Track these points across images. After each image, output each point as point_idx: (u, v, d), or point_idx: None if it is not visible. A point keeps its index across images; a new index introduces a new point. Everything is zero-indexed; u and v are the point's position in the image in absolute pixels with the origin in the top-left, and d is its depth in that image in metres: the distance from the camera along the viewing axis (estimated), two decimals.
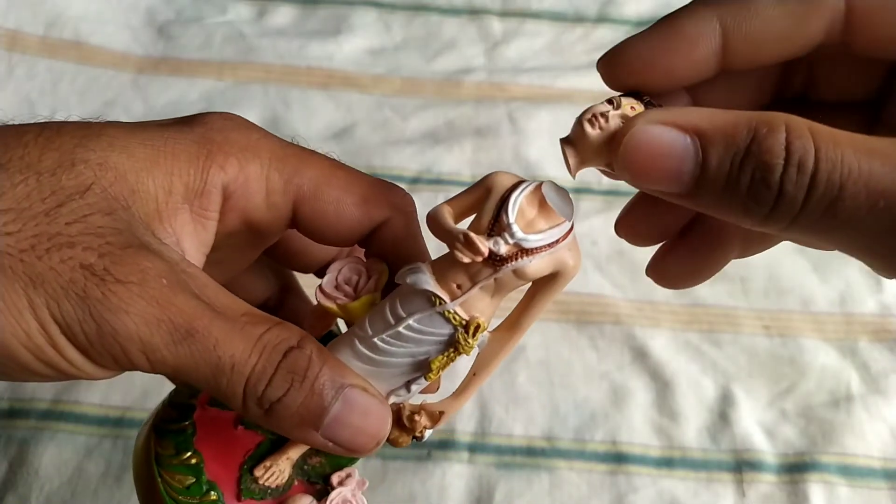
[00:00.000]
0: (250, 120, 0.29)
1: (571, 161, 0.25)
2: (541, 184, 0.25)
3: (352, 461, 0.32)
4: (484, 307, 0.26)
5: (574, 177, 0.26)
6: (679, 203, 0.24)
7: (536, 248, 0.24)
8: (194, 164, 0.27)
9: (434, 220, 0.25)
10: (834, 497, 0.44)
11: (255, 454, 0.30)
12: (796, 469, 0.45)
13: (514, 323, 0.27)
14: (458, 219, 0.26)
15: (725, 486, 0.45)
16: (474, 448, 0.46)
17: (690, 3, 0.26)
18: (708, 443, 0.47)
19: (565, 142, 0.25)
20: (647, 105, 0.24)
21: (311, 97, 0.66)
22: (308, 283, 0.38)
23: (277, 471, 0.30)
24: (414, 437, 0.28)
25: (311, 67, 0.68)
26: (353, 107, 0.66)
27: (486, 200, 0.25)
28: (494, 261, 0.24)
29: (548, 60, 0.70)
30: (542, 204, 0.24)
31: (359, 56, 0.70)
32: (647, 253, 0.56)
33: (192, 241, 0.27)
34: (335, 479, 0.31)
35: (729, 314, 0.53)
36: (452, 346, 0.26)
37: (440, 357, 0.26)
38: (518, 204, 0.24)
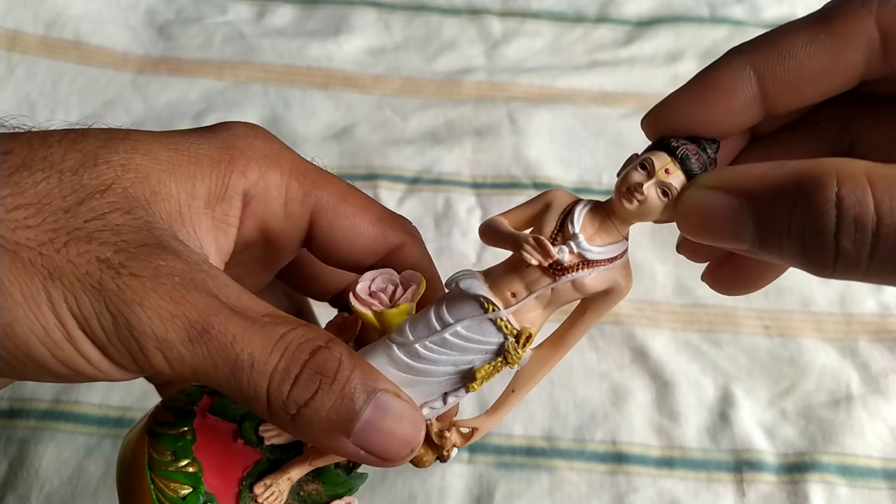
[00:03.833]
0: (250, 120, 0.29)
1: (618, 227, 0.25)
2: (599, 202, 0.25)
3: (350, 490, 0.30)
4: (534, 318, 0.26)
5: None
6: (750, 257, 0.23)
7: (598, 261, 0.24)
8: (216, 168, 0.27)
9: (492, 227, 0.25)
10: (834, 497, 0.44)
11: (253, 471, 0.29)
12: (796, 469, 0.45)
13: (559, 339, 0.27)
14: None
15: (725, 486, 0.45)
16: (474, 448, 0.46)
17: (724, 54, 0.26)
18: (708, 443, 0.47)
19: (608, 209, 0.25)
20: (683, 161, 0.24)
21: (311, 97, 0.66)
22: (322, 315, 0.38)
23: (277, 491, 0.28)
24: (439, 456, 0.27)
25: (311, 67, 0.68)
26: (353, 107, 0.65)
27: (546, 213, 0.25)
28: (555, 270, 0.24)
29: (548, 60, 0.70)
30: (603, 221, 0.25)
31: (359, 56, 0.70)
32: (647, 253, 0.55)
33: (212, 247, 0.27)
34: None
35: (729, 314, 0.53)
36: (500, 356, 0.25)
37: (486, 366, 0.25)
38: (582, 217, 0.25)
